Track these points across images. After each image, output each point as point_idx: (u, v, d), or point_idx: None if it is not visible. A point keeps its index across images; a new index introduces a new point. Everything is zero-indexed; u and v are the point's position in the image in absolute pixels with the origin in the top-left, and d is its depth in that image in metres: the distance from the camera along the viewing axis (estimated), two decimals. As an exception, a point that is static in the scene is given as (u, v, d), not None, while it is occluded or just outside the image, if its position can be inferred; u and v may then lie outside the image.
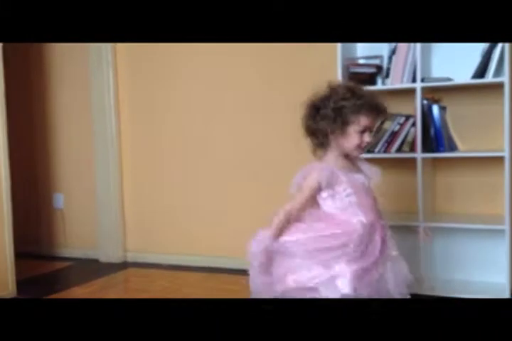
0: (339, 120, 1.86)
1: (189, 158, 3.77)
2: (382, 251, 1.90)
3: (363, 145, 1.92)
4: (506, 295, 2.74)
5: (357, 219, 1.88)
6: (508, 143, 2.70)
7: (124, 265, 3.91)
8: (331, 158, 1.97)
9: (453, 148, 2.96)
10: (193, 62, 3.67)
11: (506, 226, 2.73)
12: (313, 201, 1.94)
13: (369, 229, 1.88)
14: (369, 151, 3.00)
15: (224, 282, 3.35)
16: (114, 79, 3.89)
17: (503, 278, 2.81)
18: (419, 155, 2.86)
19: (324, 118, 1.88)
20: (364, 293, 1.77)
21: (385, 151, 2.99)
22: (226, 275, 3.47)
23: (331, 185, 1.89)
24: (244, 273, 3.51)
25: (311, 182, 1.89)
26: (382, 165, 3.12)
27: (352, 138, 1.90)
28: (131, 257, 4.00)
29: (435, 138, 2.88)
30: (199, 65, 3.66)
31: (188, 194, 3.79)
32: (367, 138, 1.90)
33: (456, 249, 3.06)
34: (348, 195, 1.90)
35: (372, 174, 2.00)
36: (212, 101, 3.65)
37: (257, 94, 3.48)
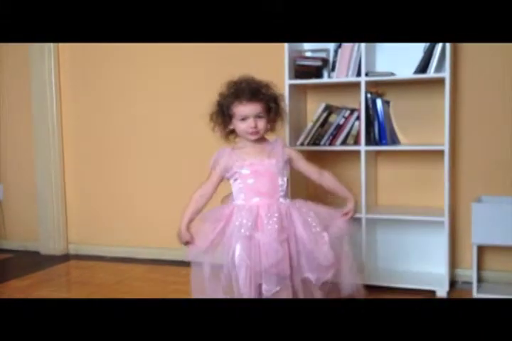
0: (225, 113, 2.07)
1: (132, 148, 3.71)
2: (282, 229, 1.96)
3: (251, 130, 2.04)
4: (445, 286, 2.83)
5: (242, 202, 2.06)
6: (448, 137, 2.77)
7: (65, 257, 3.82)
8: (240, 143, 2.14)
9: (395, 141, 3.02)
10: (139, 53, 3.61)
11: (445, 218, 2.81)
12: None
13: (255, 210, 2.00)
14: (314, 144, 3.03)
15: (167, 274, 3.33)
16: (55, 67, 3.80)
17: (442, 269, 2.89)
18: (362, 148, 2.90)
19: (217, 115, 2.11)
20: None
21: (330, 144, 3.02)
22: (169, 267, 3.44)
23: (229, 166, 2.07)
24: (186, 264, 3.50)
25: (210, 163, 2.12)
26: (327, 157, 3.19)
27: (237, 126, 2.07)
28: (73, 249, 3.92)
29: (378, 132, 2.93)
30: (145, 55, 3.60)
31: (131, 185, 3.73)
32: (251, 123, 2.03)
33: (397, 240, 3.13)
34: (236, 179, 2.08)
35: (280, 154, 2.11)
36: (157, 92, 3.61)
37: (200, 88, 3.45)
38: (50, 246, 3.88)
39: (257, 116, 2.04)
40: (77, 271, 3.54)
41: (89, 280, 3.26)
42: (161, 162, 3.65)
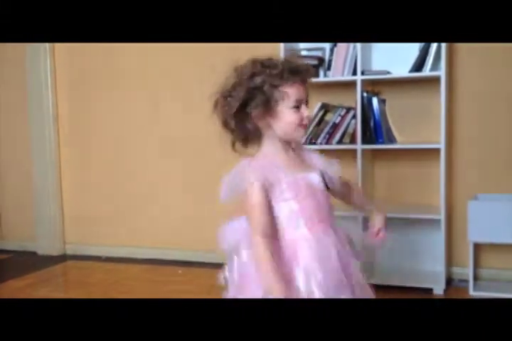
0: (261, 99, 1.46)
1: (129, 148, 3.71)
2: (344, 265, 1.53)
3: (304, 121, 1.51)
4: (442, 284, 2.83)
5: (299, 232, 1.48)
6: (444, 135, 2.78)
7: (63, 257, 3.82)
8: (269, 150, 1.54)
9: (391, 139, 3.02)
10: (137, 53, 3.60)
11: (442, 216, 2.81)
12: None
13: (317, 244, 1.48)
14: (311, 143, 3.04)
15: (164, 274, 3.33)
16: (51, 67, 3.81)
17: (438, 267, 2.89)
18: (359, 146, 2.91)
19: (236, 100, 1.48)
20: None
21: (326, 143, 3.03)
22: (166, 267, 3.45)
23: (271, 186, 1.47)
24: (182, 264, 3.50)
25: (252, 191, 1.45)
26: (324, 156, 3.19)
27: (287, 116, 1.49)
28: (70, 249, 3.91)
29: (374, 130, 2.93)
30: (142, 55, 3.60)
31: (128, 185, 3.73)
32: (305, 111, 1.50)
33: (395, 238, 3.13)
34: (285, 200, 1.48)
35: (329, 168, 1.58)
36: (155, 91, 3.61)
37: (195, 89, 3.45)
38: (47, 247, 3.88)
39: (307, 102, 1.53)
40: (75, 271, 3.54)
41: (86, 280, 3.26)
42: (158, 162, 3.64)
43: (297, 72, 1.49)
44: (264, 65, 1.48)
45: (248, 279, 1.49)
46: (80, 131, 3.83)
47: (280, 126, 1.51)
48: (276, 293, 1.38)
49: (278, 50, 2.98)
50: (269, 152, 1.53)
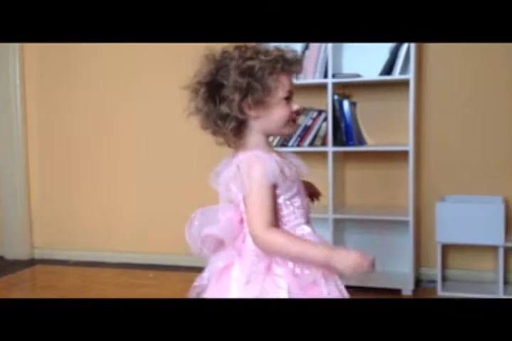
0: (257, 86, 1.31)
1: (98, 150, 3.67)
2: None
3: (294, 116, 1.41)
4: (410, 285, 2.87)
5: (303, 229, 1.41)
6: (412, 137, 2.83)
7: (31, 262, 3.75)
8: (257, 144, 1.39)
9: (362, 142, 3.06)
10: (105, 57, 3.57)
11: (410, 218, 2.85)
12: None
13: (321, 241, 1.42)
14: (282, 145, 3.05)
15: (135, 277, 3.30)
16: (20, 67, 3.74)
17: (407, 268, 2.93)
18: (330, 148, 2.94)
19: (234, 91, 1.31)
20: None
21: (298, 145, 3.04)
22: (137, 271, 3.42)
23: (279, 181, 1.34)
24: (153, 267, 3.47)
25: (256, 181, 1.30)
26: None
27: (278, 109, 1.36)
28: (38, 254, 3.85)
29: (345, 133, 2.96)
30: (113, 55, 3.57)
31: (97, 188, 3.69)
32: (296, 105, 1.39)
33: (364, 240, 3.17)
34: (290, 198, 1.38)
35: (302, 167, 1.47)
36: (126, 91, 3.58)
37: (168, 88, 3.44)
38: (15, 251, 3.81)
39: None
40: (43, 276, 3.48)
41: (55, 284, 3.21)
42: (128, 164, 3.62)
43: (291, 62, 1.37)
44: (255, 51, 1.34)
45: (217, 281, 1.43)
46: (48, 133, 3.78)
47: (270, 119, 1.37)
48: (322, 256, 1.29)
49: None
50: (257, 146, 1.38)
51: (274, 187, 1.33)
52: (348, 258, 1.29)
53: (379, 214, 2.95)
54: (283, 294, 1.32)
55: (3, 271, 3.50)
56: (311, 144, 3.04)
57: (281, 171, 1.33)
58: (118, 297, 2.91)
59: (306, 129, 3.04)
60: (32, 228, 3.86)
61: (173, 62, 3.43)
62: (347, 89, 3.05)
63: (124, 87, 3.59)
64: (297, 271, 1.33)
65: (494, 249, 2.86)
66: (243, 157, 1.34)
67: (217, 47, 1.38)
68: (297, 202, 1.39)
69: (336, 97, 2.93)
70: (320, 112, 3.03)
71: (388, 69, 2.87)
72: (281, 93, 1.34)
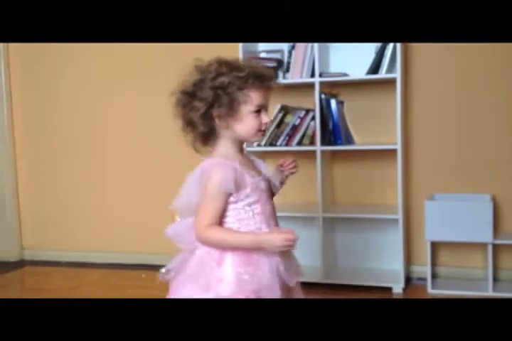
0: (225, 100, 1.47)
1: (86, 150, 3.65)
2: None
3: (264, 127, 1.53)
4: (401, 282, 2.88)
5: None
6: (400, 136, 2.83)
7: (21, 263, 3.73)
8: (227, 150, 1.54)
9: (350, 141, 3.06)
10: (91, 55, 3.55)
11: (399, 216, 2.86)
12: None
13: None
14: (271, 144, 3.05)
15: (125, 278, 3.29)
16: (5, 68, 3.72)
17: (397, 266, 2.94)
18: (318, 148, 2.93)
19: (201, 102, 1.48)
20: None
21: (286, 144, 3.04)
22: (128, 272, 3.41)
23: (237, 188, 1.47)
24: (145, 267, 3.46)
25: (213, 184, 1.45)
26: (284, 158, 3.20)
27: (248, 120, 1.50)
28: (28, 255, 3.83)
29: (333, 132, 2.96)
30: (99, 55, 3.55)
31: (86, 189, 3.67)
32: (266, 117, 1.52)
33: (354, 238, 3.17)
34: (250, 204, 1.50)
35: (268, 172, 1.62)
36: (111, 92, 3.57)
37: (156, 89, 3.42)
38: (4, 252, 3.79)
39: (266, 108, 1.56)
40: (32, 278, 3.47)
41: (44, 286, 3.19)
42: (116, 164, 3.60)
43: (262, 78, 1.50)
44: (230, 67, 1.49)
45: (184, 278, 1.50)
46: (35, 134, 3.75)
47: (240, 129, 1.51)
48: (253, 242, 1.44)
49: (237, 51, 2.98)
50: (226, 153, 1.53)
51: (229, 193, 1.47)
52: (274, 241, 1.42)
53: (368, 213, 2.95)
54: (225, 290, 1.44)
55: (-9, 272, 3.48)
56: (300, 143, 3.04)
57: (240, 180, 1.47)
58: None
59: (294, 128, 3.04)
60: (21, 229, 3.83)
61: (161, 58, 3.42)
62: (334, 88, 3.05)
63: (111, 87, 3.57)
64: (245, 277, 1.44)
65: (483, 246, 2.87)
66: (207, 163, 1.48)
67: (206, 59, 1.53)
68: (257, 208, 1.51)
69: (323, 96, 2.93)
70: (307, 111, 3.03)
71: (375, 68, 2.87)
72: (250, 107, 1.48)
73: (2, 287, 3.21)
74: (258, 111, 1.51)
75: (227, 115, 1.48)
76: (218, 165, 1.46)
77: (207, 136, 1.53)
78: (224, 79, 1.46)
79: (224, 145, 1.54)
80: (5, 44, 3.70)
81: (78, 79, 3.63)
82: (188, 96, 1.51)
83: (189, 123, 1.52)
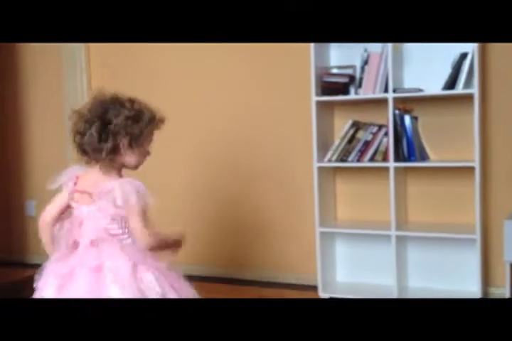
0: (138, 139, 1.76)
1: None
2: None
3: (142, 161, 1.85)
4: (477, 304, 2.77)
5: None
6: (478, 153, 2.74)
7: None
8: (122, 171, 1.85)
9: (424, 157, 2.98)
10: (166, 61, 3.62)
11: (477, 236, 2.76)
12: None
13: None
14: (342, 160, 3.02)
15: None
16: (87, 80, 3.85)
17: (474, 287, 2.83)
18: (391, 164, 2.88)
19: (117, 135, 1.72)
20: None
21: (358, 160, 3.01)
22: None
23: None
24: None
25: (143, 202, 1.75)
26: (356, 174, 3.17)
27: (145, 152, 1.83)
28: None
29: (407, 148, 2.90)
30: (172, 64, 3.60)
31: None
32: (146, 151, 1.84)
33: (429, 258, 3.08)
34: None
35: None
36: (191, 102, 3.57)
37: (218, 103, 3.46)
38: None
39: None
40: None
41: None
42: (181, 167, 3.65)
43: (159, 123, 1.81)
44: (122, 105, 1.76)
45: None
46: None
47: (133, 158, 1.79)
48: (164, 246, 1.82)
49: (308, 68, 2.99)
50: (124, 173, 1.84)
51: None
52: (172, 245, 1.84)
53: (444, 232, 2.86)
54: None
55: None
56: (372, 159, 2.99)
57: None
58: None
59: (367, 144, 3.00)
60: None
61: (226, 77, 3.46)
62: (408, 103, 2.99)
63: (186, 83, 3.58)
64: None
65: None
66: (126, 181, 1.75)
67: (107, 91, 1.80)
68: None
69: (396, 112, 2.88)
70: (380, 127, 2.99)
71: (451, 83, 2.80)
72: (148, 142, 1.82)
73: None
74: (142, 146, 1.81)
75: (129, 148, 1.78)
76: (138, 184, 1.76)
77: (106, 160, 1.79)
78: (137, 127, 1.77)
79: (118, 167, 1.85)
80: (86, 47, 3.80)
81: (151, 78, 3.67)
82: (80, 128, 1.76)
83: (95, 150, 1.76)
